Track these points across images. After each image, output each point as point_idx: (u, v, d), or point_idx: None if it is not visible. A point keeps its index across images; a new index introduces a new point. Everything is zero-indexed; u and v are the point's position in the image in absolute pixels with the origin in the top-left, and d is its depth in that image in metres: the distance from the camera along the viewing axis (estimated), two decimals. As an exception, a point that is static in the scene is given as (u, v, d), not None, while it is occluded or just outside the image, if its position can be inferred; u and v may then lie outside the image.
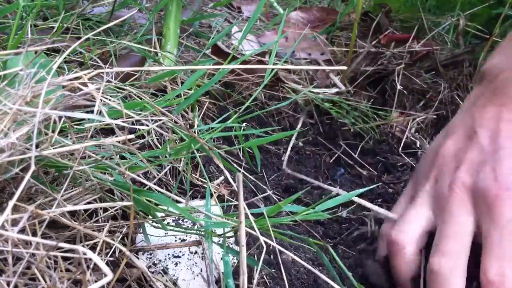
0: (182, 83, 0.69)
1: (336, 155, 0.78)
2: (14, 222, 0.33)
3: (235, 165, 0.63)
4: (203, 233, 0.47)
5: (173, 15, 0.74)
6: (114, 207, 0.47)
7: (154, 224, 0.47)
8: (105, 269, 0.27)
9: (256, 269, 0.45)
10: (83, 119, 0.51)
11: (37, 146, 0.36)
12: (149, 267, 0.45)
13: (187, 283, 0.45)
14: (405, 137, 0.82)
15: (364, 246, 0.62)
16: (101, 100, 0.36)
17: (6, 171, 0.36)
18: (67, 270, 0.40)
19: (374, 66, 0.90)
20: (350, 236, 0.64)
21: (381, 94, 0.91)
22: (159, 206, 0.47)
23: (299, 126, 0.79)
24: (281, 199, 0.65)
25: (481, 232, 0.51)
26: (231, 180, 0.51)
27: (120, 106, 0.39)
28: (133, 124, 0.43)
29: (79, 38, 0.67)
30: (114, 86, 0.55)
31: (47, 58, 0.46)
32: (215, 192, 0.56)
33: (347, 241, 0.63)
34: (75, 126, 0.49)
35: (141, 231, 0.47)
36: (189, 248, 0.48)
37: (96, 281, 0.40)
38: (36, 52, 0.41)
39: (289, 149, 0.74)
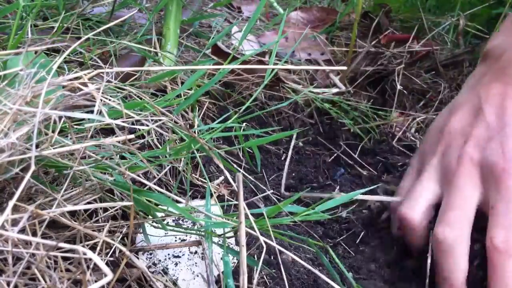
0: (182, 83, 0.69)
1: (336, 155, 0.78)
2: (14, 222, 0.33)
3: (235, 165, 0.63)
4: (203, 233, 0.47)
5: (173, 15, 0.74)
6: (114, 207, 0.47)
7: (154, 224, 0.47)
8: (105, 269, 0.27)
9: (256, 269, 0.45)
10: (83, 119, 0.51)
11: (37, 146, 0.36)
12: (149, 267, 0.45)
13: (187, 283, 0.45)
14: (405, 137, 0.82)
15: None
16: (101, 100, 0.36)
17: (6, 171, 0.36)
18: (67, 270, 0.40)
19: (374, 66, 0.90)
20: (350, 236, 0.64)
21: (381, 94, 0.91)
22: (159, 206, 0.47)
23: (298, 126, 0.79)
24: (281, 199, 0.65)
25: (488, 204, 0.53)
26: (231, 180, 0.51)
27: (120, 106, 0.39)
28: (133, 124, 0.43)
29: (79, 38, 0.67)
30: (114, 86, 0.55)
31: (47, 58, 0.46)
32: (215, 192, 0.56)
33: (347, 241, 0.63)
34: (75, 126, 0.49)
35: (141, 231, 0.47)
36: (189, 248, 0.48)
37: (96, 281, 0.40)
38: (36, 52, 0.41)
39: (290, 149, 0.74)
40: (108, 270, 0.27)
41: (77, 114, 0.34)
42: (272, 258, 0.51)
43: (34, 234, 0.38)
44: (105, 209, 0.47)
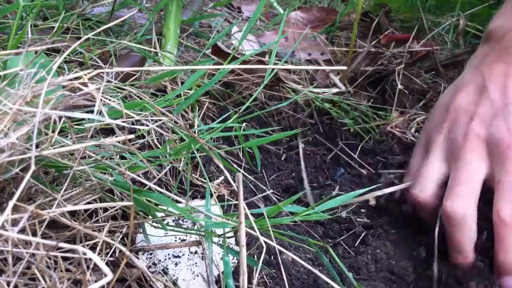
0: (182, 83, 0.69)
1: (336, 155, 0.78)
2: (14, 222, 0.33)
3: (235, 165, 0.63)
4: (203, 233, 0.47)
5: (173, 15, 0.74)
6: (114, 207, 0.47)
7: (154, 224, 0.47)
8: (105, 269, 0.27)
9: (256, 269, 0.45)
10: (83, 119, 0.51)
11: (37, 146, 0.36)
12: (149, 267, 0.45)
13: (187, 283, 0.45)
14: (405, 137, 0.82)
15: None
16: (101, 100, 0.36)
17: (6, 171, 0.36)
18: (67, 270, 0.40)
19: (374, 66, 0.89)
20: (350, 236, 0.64)
21: (381, 94, 0.91)
22: (159, 206, 0.47)
23: (298, 126, 0.79)
24: (281, 199, 0.65)
25: (494, 179, 0.55)
26: (231, 180, 0.51)
27: (120, 106, 0.39)
28: (133, 124, 0.43)
29: (79, 38, 0.67)
30: (114, 86, 0.55)
31: (47, 58, 0.46)
32: (215, 192, 0.56)
33: (347, 241, 0.63)
34: (75, 126, 0.49)
35: (141, 231, 0.47)
36: (189, 248, 0.48)
37: (96, 281, 0.40)
38: (36, 52, 0.41)
39: (301, 150, 0.75)
40: (108, 270, 0.27)
41: (77, 114, 0.34)
42: (272, 258, 0.51)
43: (34, 234, 0.38)
44: (105, 209, 0.47)
